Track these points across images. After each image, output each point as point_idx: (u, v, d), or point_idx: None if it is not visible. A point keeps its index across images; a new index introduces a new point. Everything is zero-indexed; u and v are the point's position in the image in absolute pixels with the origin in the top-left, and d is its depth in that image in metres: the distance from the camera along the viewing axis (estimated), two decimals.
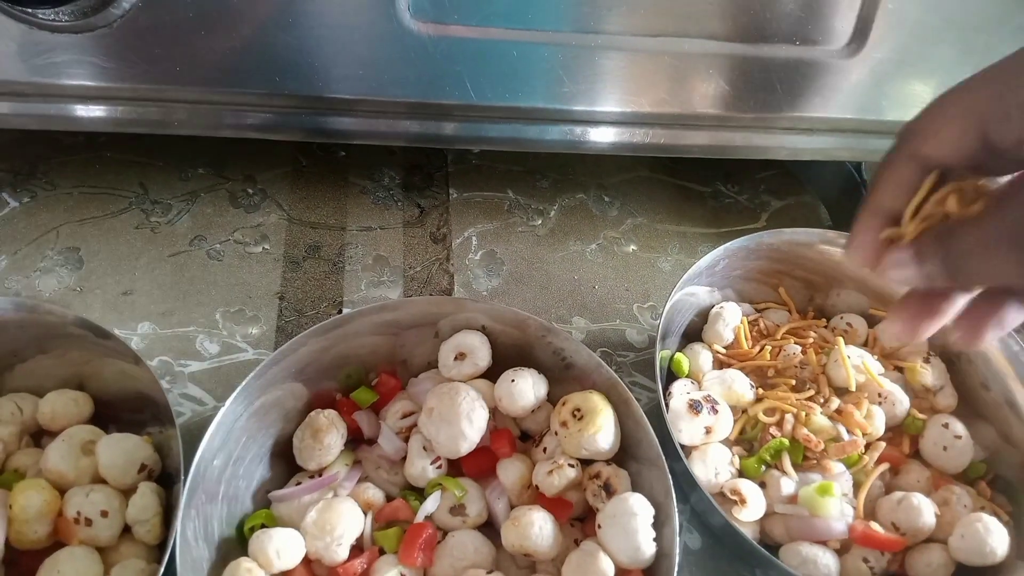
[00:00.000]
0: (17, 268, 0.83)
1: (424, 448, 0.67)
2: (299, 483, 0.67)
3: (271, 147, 0.98)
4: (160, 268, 0.85)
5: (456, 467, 0.68)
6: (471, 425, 0.65)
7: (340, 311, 0.85)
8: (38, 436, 0.70)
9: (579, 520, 0.68)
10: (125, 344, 0.64)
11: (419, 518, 0.64)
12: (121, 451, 0.63)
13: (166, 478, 0.65)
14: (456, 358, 0.71)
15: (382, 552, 0.63)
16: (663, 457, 0.62)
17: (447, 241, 0.93)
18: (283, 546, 0.59)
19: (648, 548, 0.59)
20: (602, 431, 0.64)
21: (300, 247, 0.90)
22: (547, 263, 0.92)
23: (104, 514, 0.60)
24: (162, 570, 0.54)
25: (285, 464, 0.70)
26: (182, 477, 0.58)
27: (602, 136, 0.81)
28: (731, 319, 0.80)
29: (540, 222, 0.97)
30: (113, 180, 0.92)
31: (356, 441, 0.71)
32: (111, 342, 0.65)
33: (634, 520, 0.59)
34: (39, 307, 0.65)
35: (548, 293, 0.90)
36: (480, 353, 0.70)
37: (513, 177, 1.01)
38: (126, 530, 0.62)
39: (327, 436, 0.67)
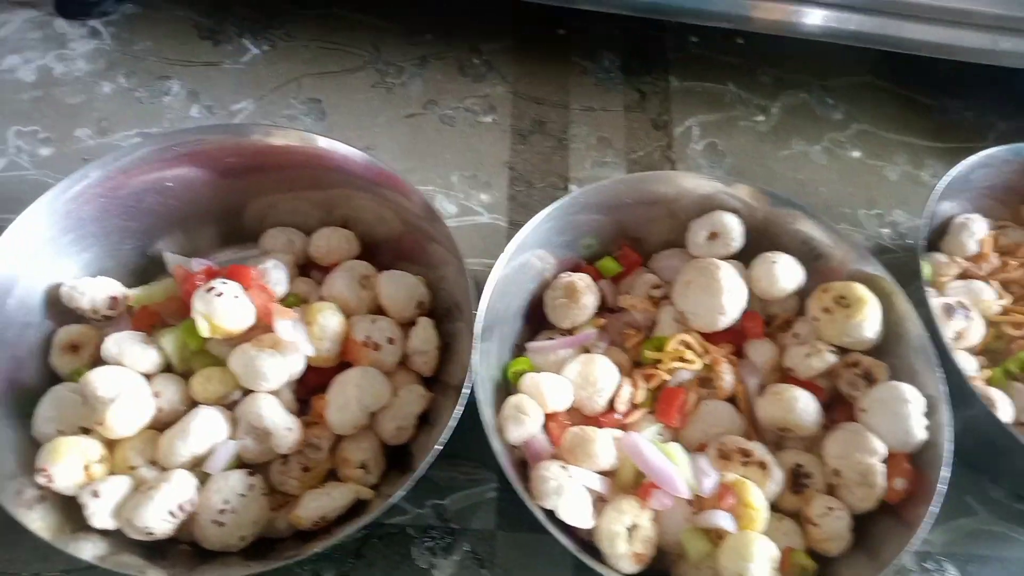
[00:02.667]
0: (264, 113, 0.87)
1: (675, 320, 0.69)
2: (550, 339, 0.70)
3: (494, 20, 0.98)
4: (398, 127, 0.87)
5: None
6: (731, 301, 0.66)
7: (567, 187, 0.86)
8: (304, 269, 0.74)
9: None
10: (416, 190, 0.66)
11: (672, 384, 0.66)
12: (403, 286, 0.67)
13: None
14: (708, 237, 0.71)
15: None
16: (932, 348, 0.63)
17: (668, 128, 0.92)
18: (556, 389, 0.63)
19: (920, 434, 0.60)
20: (868, 320, 0.64)
21: (526, 121, 0.91)
22: (770, 160, 0.91)
23: (391, 341, 0.64)
24: (467, 392, 0.57)
25: (529, 321, 0.73)
26: (475, 312, 0.61)
27: (819, 19, 0.79)
28: (977, 231, 0.78)
29: (762, 118, 0.95)
30: (347, 38, 0.94)
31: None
32: (391, 187, 0.67)
33: (906, 406, 0.60)
34: (330, 144, 0.67)
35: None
36: (734, 233, 0.71)
37: (734, 70, 0.98)
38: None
39: (583, 297, 0.69)
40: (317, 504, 0.58)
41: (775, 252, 0.69)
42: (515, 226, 0.82)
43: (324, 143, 0.68)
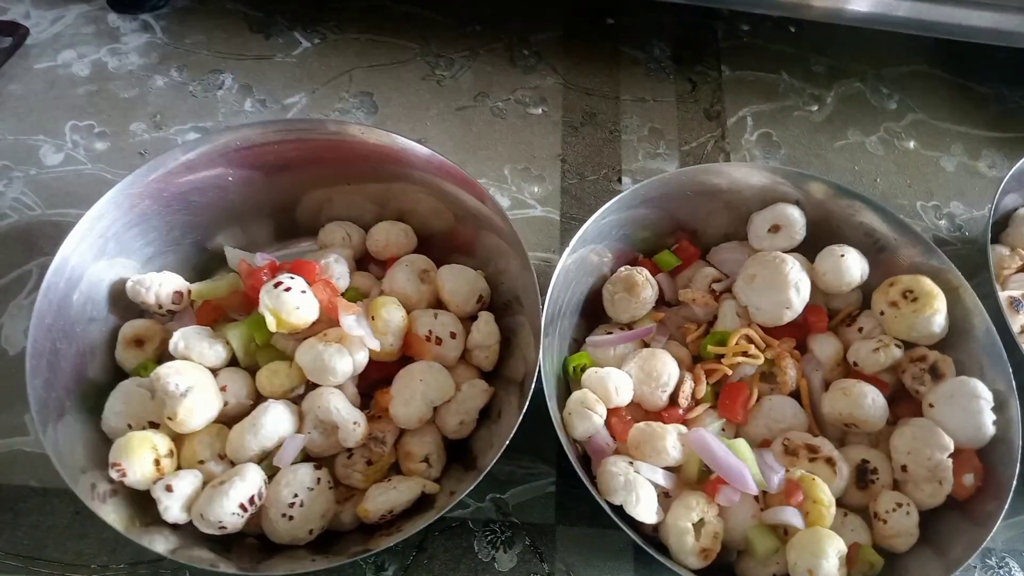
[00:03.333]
0: (317, 106, 0.87)
1: (737, 314, 0.68)
2: (609, 333, 0.70)
3: (543, 10, 0.97)
4: (449, 120, 0.87)
5: None
6: (798, 295, 0.65)
7: (619, 179, 0.85)
8: (359, 263, 0.74)
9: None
10: (477, 184, 0.65)
11: (734, 379, 0.66)
12: (464, 280, 0.67)
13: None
14: (771, 230, 0.71)
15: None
16: (1001, 344, 0.61)
17: (721, 119, 0.91)
18: (620, 384, 0.62)
19: (989, 429, 0.59)
20: (938, 314, 0.63)
21: (577, 112, 0.90)
22: (825, 151, 0.90)
23: (452, 335, 0.64)
24: (533, 383, 0.57)
25: (585, 316, 0.72)
26: (541, 307, 0.60)
27: (870, 5, 0.77)
28: None
29: (816, 108, 0.93)
30: (396, 30, 0.94)
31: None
32: (451, 181, 0.67)
33: (976, 402, 0.59)
34: (391, 138, 0.67)
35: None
36: (797, 226, 0.70)
37: (787, 59, 0.97)
38: None
39: (643, 291, 0.68)
40: (385, 498, 0.58)
41: (842, 245, 0.68)
42: (568, 219, 0.82)
43: (385, 137, 0.68)
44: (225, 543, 0.58)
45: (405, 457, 0.62)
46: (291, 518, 0.56)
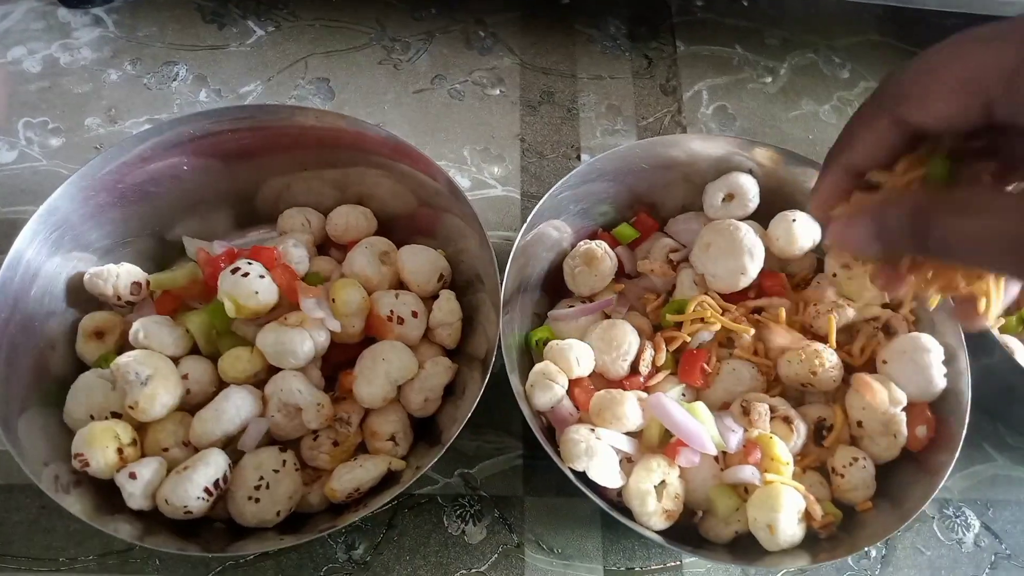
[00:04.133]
0: (272, 94, 0.87)
1: (695, 283, 0.69)
2: (571, 307, 0.71)
3: None
4: (407, 104, 0.87)
5: None
6: (752, 261, 0.66)
7: (578, 156, 0.86)
8: (321, 248, 0.75)
9: None
10: (436, 165, 0.66)
11: (693, 345, 0.67)
12: (425, 260, 0.67)
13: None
14: (725, 199, 0.72)
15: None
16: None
17: (677, 94, 0.92)
18: (581, 355, 0.63)
19: (940, 382, 0.61)
20: None
21: (535, 92, 0.90)
22: (780, 121, 0.91)
23: (414, 315, 0.65)
24: (493, 359, 0.58)
25: (547, 290, 0.73)
26: (500, 283, 0.61)
27: None
28: None
29: (770, 80, 0.95)
30: (351, 15, 0.93)
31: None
32: (409, 163, 0.67)
33: (926, 356, 0.61)
34: (347, 121, 0.67)
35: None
36: (751, 194, 0.71)
37: (740, 33, 0.98)
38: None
39: (602, 264, 0.69)
40: (351, 476, 0.58)
41: (793, 210, 0.69)
42: (528, 198, 0.82)
43: (341, 121, 0.68)
44: (192, 528, 0.58)
45: (371, 436, 0.63)
46: (257, 500, 0.57)
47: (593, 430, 0.59)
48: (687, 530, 0.61)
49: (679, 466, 0.59)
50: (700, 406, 0.61)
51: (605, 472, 0.57)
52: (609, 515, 0.56)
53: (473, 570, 0.64)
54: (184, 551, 0.54)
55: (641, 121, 0.89)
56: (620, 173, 0.72)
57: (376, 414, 0.63)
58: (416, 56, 0.91)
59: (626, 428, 0.60)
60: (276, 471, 0.58)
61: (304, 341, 0.60)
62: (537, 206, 0.65)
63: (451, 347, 0.67)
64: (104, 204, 0.65)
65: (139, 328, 0.61)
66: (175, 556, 0.62)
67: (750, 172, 0.72)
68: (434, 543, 0.65)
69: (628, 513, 0.59)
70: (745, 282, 0.67)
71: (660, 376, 0.66)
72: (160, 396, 0.57)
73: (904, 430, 0.61)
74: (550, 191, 0.66)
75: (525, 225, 0.64)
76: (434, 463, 0.56)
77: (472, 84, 0.90)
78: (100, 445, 0.55)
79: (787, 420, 0.62)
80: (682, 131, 0.89)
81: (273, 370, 0.62)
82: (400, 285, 0.69)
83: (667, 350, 0.66)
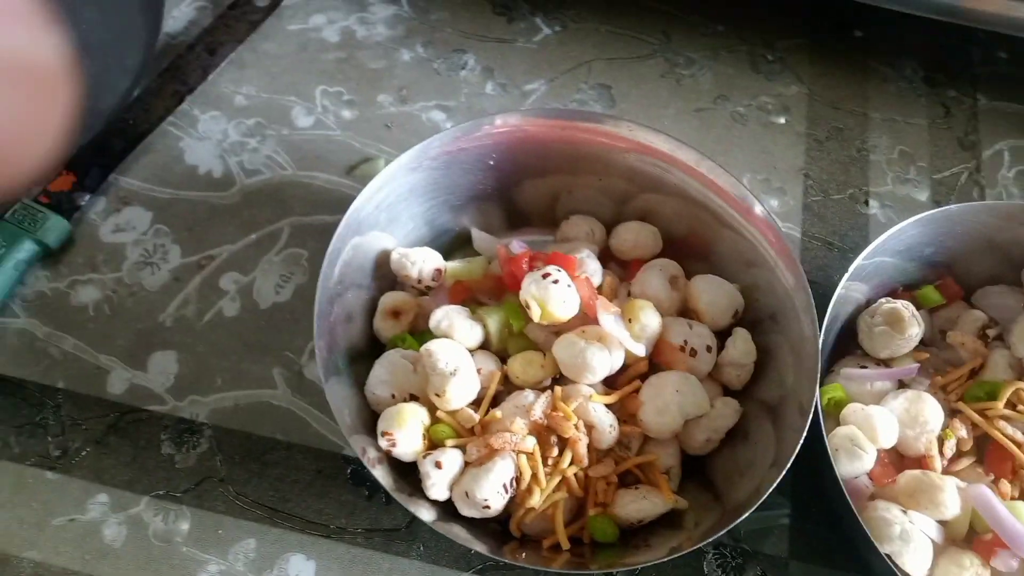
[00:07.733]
0: (555, 95, 0.87)
1: (1010, 366, 0.64)
2: (863, 367, 0.66)
3: (787, 15, 0.93)
4: (687, 120, 0.85)
5: None
6: None
7: (866, 201, 0.81)
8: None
9: None
10: (744, 191, 0.63)
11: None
12: (723, 293, 0.65)
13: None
14: None
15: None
16: None
17: (976, 150, 0.85)
18: (888, 426, 0.59)
19: None
20: None
21: (822, 126, 0.86)
22: None
23: (708, 349, 0.63)
24: (810, 416, 0.55)
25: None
26: (820, 331, 0.58)
27: None
28: None
29: None
30: (637, 24, 0.92)
31: None
32: (704, 186, 0.65)
33: None
34: (656, 139, 0.66)
35: None
36: None
37: None
38: None
39: (909, 328, 0.64)
40: (636, 507, 0.57)
41: None
42: (810, 238, 0.78)
43: (650, 137, 0.66)
44: (470, 524, 0.58)
45: (648, 467, 0.61)
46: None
47: (904, 512, 0.55)
48: None
49: (992, 567, 0.54)
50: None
51: (918, 560, 0.53)
52: None
53: None
54: (469, 545, 0.54)
55: (936, 174, 0.83)
56: (939, 236, 0.67)
57: (656, 444, 0.62)
58: (699, 72, 0.88)
59: (941, 516, 0.56)
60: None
61: (603, 357, 0.59)
62: (852, 266, 0.62)
63: (737, 388, 0.65)
64: (416, 187, 0.67)
65: (442, 316, 0.62)
66: (438, 545, 0.63)
67: None
68: None
69: None
70: None
71: (964, 463, 0.60)
72: (464, 389, 0.58)
73: None
74: (866, 250, 0.62)
75: (847, 275, 0.61)
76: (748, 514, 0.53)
77: (756, 109, 0.86)
78: (408, 427, 0.56)
79: None
80: (980, 191, 0.82)
81: (555, 380, 0.62)
82: (685, 313, 0.67)
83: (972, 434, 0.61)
